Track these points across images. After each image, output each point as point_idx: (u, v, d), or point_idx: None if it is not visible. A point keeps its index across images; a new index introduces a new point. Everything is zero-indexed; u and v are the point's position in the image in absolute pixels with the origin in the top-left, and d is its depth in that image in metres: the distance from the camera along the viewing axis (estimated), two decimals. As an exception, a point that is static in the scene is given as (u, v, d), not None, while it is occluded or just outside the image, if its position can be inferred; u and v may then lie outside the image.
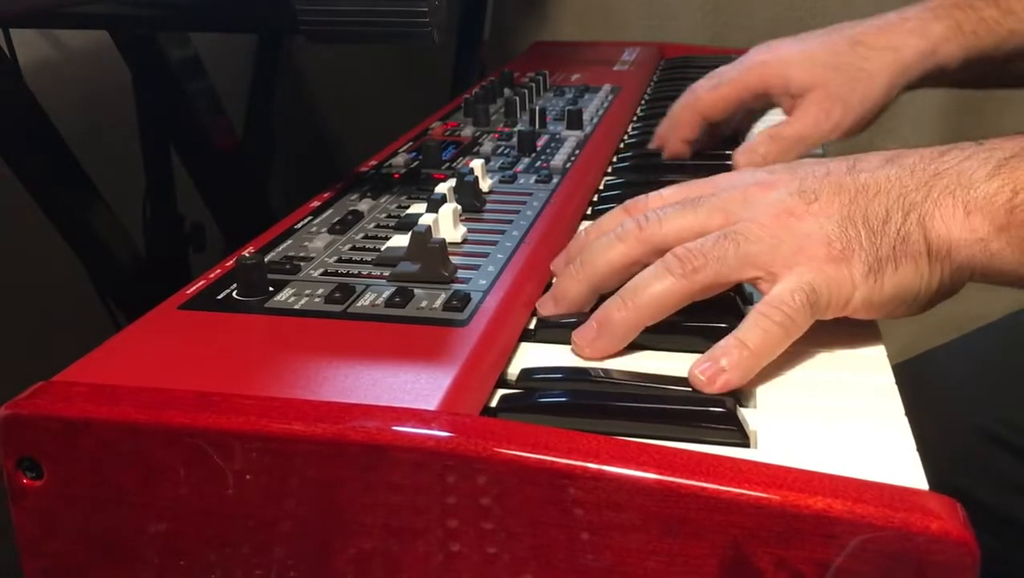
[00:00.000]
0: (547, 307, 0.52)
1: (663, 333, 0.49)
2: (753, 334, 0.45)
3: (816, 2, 1.42)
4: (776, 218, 0.48)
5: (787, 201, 0.48)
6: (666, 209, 0.51)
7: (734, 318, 0.50)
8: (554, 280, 0.54)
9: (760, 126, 0.83)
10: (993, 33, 0.70)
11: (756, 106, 0.77)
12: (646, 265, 0.49)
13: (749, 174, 0.52)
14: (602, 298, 0.50)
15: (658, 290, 0.47)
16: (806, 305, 0.46)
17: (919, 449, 0.40)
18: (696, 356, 0.48)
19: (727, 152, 0.75)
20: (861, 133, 0.72)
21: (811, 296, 0.46)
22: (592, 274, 0.50)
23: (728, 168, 0.74)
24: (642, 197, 0.54)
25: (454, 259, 0.53)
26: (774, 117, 0.81)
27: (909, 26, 0.71)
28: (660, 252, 0.49)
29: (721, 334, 0.49)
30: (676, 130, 0.76)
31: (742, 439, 0.41)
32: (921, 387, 0.79)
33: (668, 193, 0.54)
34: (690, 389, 0.45)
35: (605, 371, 0.47)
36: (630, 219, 0.51)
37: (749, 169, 0.54)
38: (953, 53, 0.70)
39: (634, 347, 0.49)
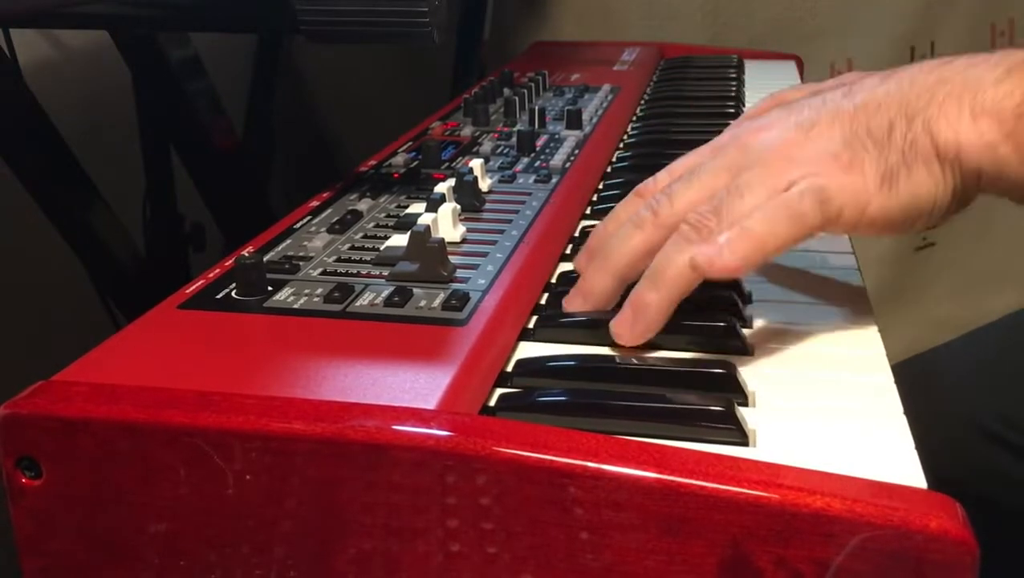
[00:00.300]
0: (575, 303, 0.51)
1: (664, 333, 0.49)
2: (756, 222, 0.44)
3: (816, 2, 1.42)
4: (776, 154, 0.47)
5: (785, 136, 0.48)
6: (674, 185, 0.50)
7: (734, 317, 0.50)
8: (579, 277, 0.53)
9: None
10: None
11: None
12: None
13: (746, 122, 0.51)
14: (628, 288, 0.50)
15: (679, 265, 0.46)
16: (816, 205, 0.45)
17: (919, 448, 0.40)
18: (695, 355, 0.48)
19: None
20: None
21: (822, 197, 0.45)
22: (616, 266, 0.50)
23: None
24: (650, 179, 0.54)
25: (453, 259, 0.53)
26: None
27: (984, 70, 0.70)
28: (674, 230, 0.48)
29: (720, 332, 0.49)
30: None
31: (741, 438, 0.41)
32: (921, 386, 0.79)
33: (675, 167, 0.53)
34: (690, 388, 0.45)
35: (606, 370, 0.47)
36: (643, 204, 0.51)
37: (737, 121, 0.53)
38: None
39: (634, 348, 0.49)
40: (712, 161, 0.50)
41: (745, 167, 0.48)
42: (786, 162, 0.46)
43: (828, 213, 0.45)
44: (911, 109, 0.45)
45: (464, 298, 0.49)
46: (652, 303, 0.47)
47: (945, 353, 0.85)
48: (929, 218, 0.46)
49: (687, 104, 0.96)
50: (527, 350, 0.49)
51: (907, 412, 0.43)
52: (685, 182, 0.50)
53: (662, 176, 0.53)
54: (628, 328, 0.48)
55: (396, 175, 0.69)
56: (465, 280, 0.51)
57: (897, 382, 0.45)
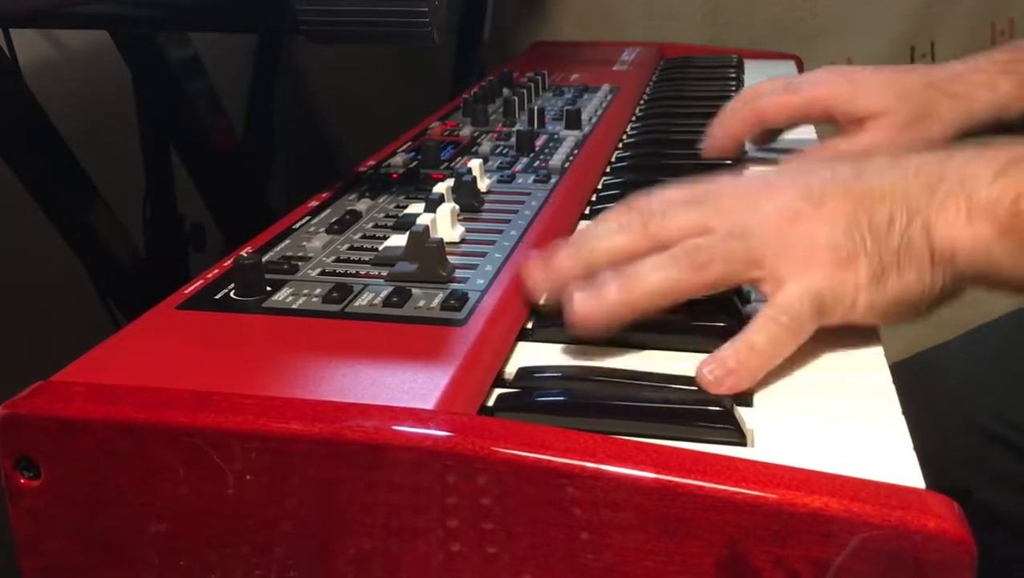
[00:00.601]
0: (535, 270, 0.51)
1: (663, 333, 0.50)
2: (761, 337, 0.46)
3: (816, 2, 1.42)
4: (784, 222, 0.48)
5: (794, 205, 0.48)
6: (672, 206, 0.51)
7: (732, 318, 0.50)
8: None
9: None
10: None
11: (811, 122, 0.76)
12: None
13: (753, 177, 0.52)
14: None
15: (660, 279, 0.47)
16: (812, 308, 0.46)
17: (917, 448, 0.40)
18: (695, 355, 0.48)
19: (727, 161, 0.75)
20: None
21: (817, 301, 0.46)
22: (590, 255, 0.50)
23: (731, 167, 0.74)
24: (646, 195, 0.54)
25: (452, 259, 0.53)
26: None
27: (979, 78, 0.71)
28: (662, 248, 0.49)
29: (719, 333, 0.49)
30: (729, 125, 0.75)
31: (739, 438, 0.41)
32: (920, 386, 0.79)
33: (671, 192, 0.54)
34: (690, 387, 0.45)
35: (605, 370, 0.47)
36: (635, 213, 0.51)
37: (752, 172, 0.53)
38: (1017, 108, 0.70)
39: (635, 347, 0.49)
40: (717, 200, 0.51)
41: (749, 220, 0.49)
42: (790, 233, 0.47)
43: (822, 313, 0.47)
44: (912, 205, 0.46)
45: (463, 298, 0.49)
46: (613, 300, 0.47)
47: (944, 353, 0.85)
48: (913, 314, 0.48)
49: (687, 104, 0.96)
50: (526, 350, 0.49)
51: (906, 412, 0.43)
52: (685, 207, 0.51)
53: (657, 195, 0.53)
54: (585, 303, 0.47)
55: (395, 175, 0.69)
56: (464, 280, 0.51)
57: (896, 382, 0.45)
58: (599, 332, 0.48)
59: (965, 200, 0.45)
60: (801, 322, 0.46)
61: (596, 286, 0.48)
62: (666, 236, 0.49)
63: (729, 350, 0.45)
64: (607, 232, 0.51)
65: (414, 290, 0.50)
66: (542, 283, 0.51)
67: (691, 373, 0.46)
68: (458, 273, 0.52)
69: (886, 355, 0.48)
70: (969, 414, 0.77)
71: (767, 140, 0.78)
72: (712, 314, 0.51)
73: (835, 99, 0.72)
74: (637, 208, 0.52)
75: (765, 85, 0.76)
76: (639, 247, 0.49)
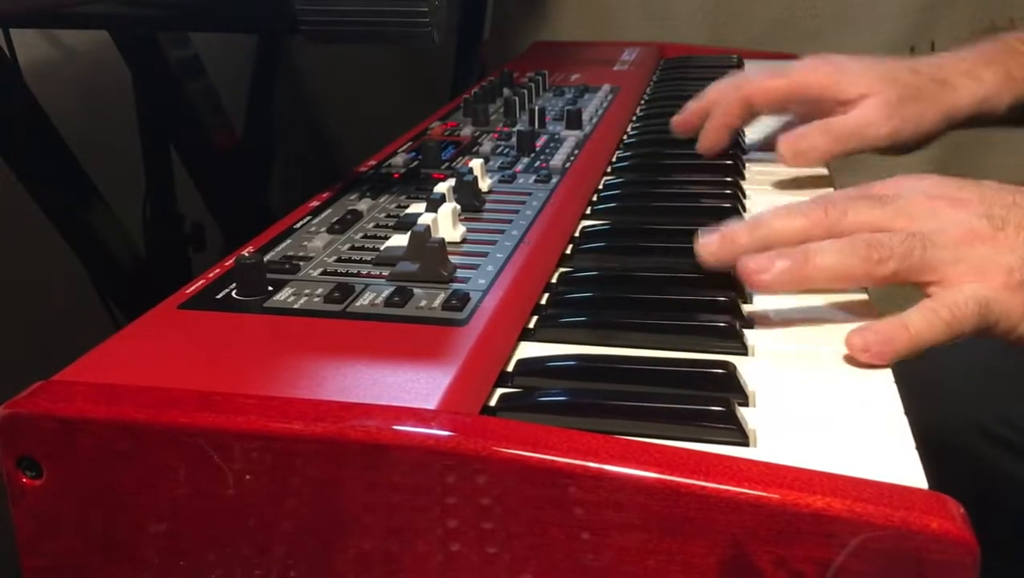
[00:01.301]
0: (711, 239, 0.52)
1: (663, 333, 0.49)
2: (917, 320, 0.47)
3: (816, 2, 1.42)
4: (963, 236, 0.49)
5: (975, 223, 0.49)
6: (853, 201, 0.52)
7: (734, 317, 0.50)
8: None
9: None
10: None
11: (799, 109, 0.76)
12: None
13: (935, 185, 0.53)
14: None
15: (834, 261, 0.49)
16: (976, 314, 0.47)
17: (919, 448, 0.40)
18: (695, 355, 0.48)
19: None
20: (904, 154, 0.72)
21: (984, 308, 0.47)
22: (767, 235, 0.51)
23: (729, 168, 0.74)
24: (823, 193, 0.55)
25: (453, 259, 0.53)
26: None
27: (964, 67, 0.71)
28: (837, 234, 0.50)
29: (719, 333, 0.49)
30: (721, 115, 0.75)
31: (742, 438, 0.41)
32: (921, 386, 0.79)
33: (855, 189, 0.54)
34: (690, 388, 0.45)
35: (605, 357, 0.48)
36: (817, 203, 0.52)
37: (934, 178, 0.54)
38: (1003, 99, 0.70)
39: (636, 346, 0.49)
40: (897, 201, 0.52)
41: (929, 227, 0.50)
42: (968, 248, 0.49)
43: (986, 322, 0.48)
44: None
45: (464, 298, 0.48)
46: (784, 269, 0.49)
47: (946, 353, 0.84)
48: None
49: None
50: (527, 350, 0.49)
51: (907, 412, 0.43)
52: (866, 203, 0.52)
53: (844, 191, 0.54)
54: (753, 270, 0.49)
55: (396, 175, 0.69)
56: (465, 280, 0.51)
57: (897, 382, 0.45)
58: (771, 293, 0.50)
59: None
60: (962, 322, 0.47)
61: (769, 255, 0.49)
62: (845, 228, 0.51)
63: (883, 323, 0.47)
64: (787, 214, 0.52)
65: (416, 290, 0.50)
66: (717, 251, 0.52)
67: (692, 373, 0.46)
68: (459, 273, 0.52)
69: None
70: (971, 415, 0.77)
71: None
72: (712, 314, 0.51)
73: (822, 82, 0.72)
74: (819, 200, 0.53)
75: (754, 72, 0.75)
76: (815, 234, 0.51)
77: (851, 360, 0.47)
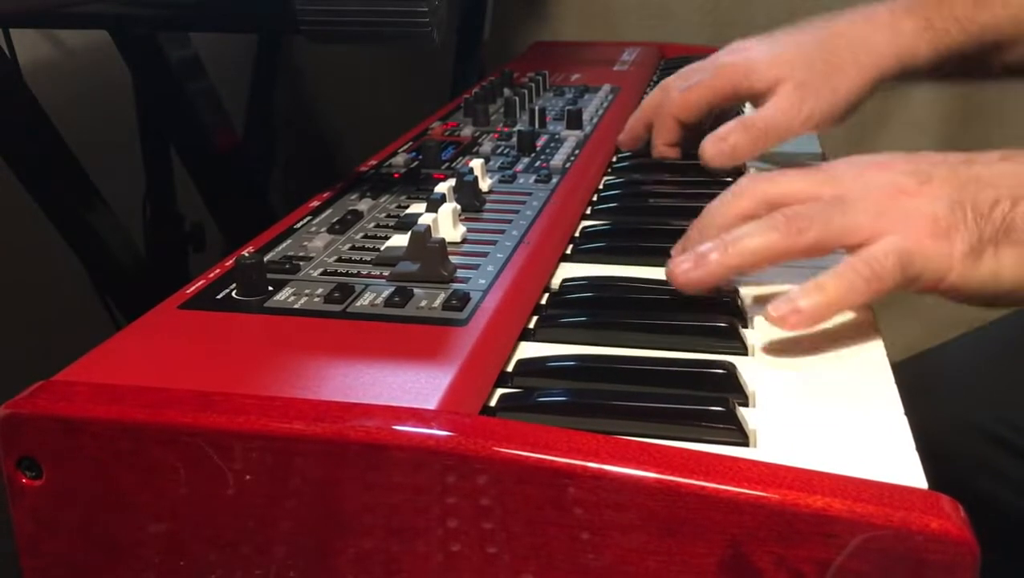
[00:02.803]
0: (681, 262, 0.52)
1: (663, 333, 0.49)
2: (832, 280, 0.47)
3: (816, 2, 1.42)
4: (887, 193, 0.49)
5: (900, 180, 0.49)
6: (786, 175, 0.52)
7: (734, 317, 0.50)
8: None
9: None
10: (965, 29, 0.70)
11: (727, 107, 0.76)
12: None
13: (865, 157, 0.53)
14: None
15: (759, 243, 0.48)
16: (897, 267, 0.46)
17: (919, 448, 0.40)
18: (695, 355, 0.48)
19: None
20: (833, 127, 0.71)
21: (904, 260, 0.46)
22: (709, 222, 0.52)
23: (730, 167, 0.74)
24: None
25: (453, 259, 0.53)
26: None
27: (880, 21, 0.70)
28: (771, 207, 0.50)
29: (719, 333, 0.49)
30: (658, 135, 0.76)
31: (742, 438, 0.41)
32: (921, 386, 0.79)
33: (788, 171, 0.55)
34: (690, 388, 0.45)
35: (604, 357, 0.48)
36: (747, 179, 0.53)
37: (863, 155, 0.54)
38: (923, 50, 0.70)
39: (635, 346, 0.49)
40: (826, 171, 0.52)
41: (854, 190, 0.50)
42: (891, 203, 0.48)
43: (907, 275, 0.47)
44: (1019, 192, 0.47)
45: (464, 298, 0.48)
46: (713, 263, 0.49)
47: (945, 353, 0.85)
48: (1012, 300, 0.48)
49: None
50: (527, 350, 0.49)
51: (907, 412, 0.43)
52: (794, 175, 0.52)
53: (780, 170, 0.55)
54: (683, 271, 0.50)
55: (396, 175, 0.69)
56: (465, 280, 0.51)
57: (897, 382, 0.45)
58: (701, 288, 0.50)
59: None
60: (881, 276, 0.46)
61: (699, 251, 0.49)
62: (775, 196, 0.51)
63: (797, 289, 0.46)
64: (726, 202, 0.52)
65: (416, 290, 0.50)
66: (682, 259, 0.52)
67: (692, 373, 0.46)
68: (460, 273, 0.52)
69: (888, 355, 0.48)
70: (970, 414, 0.77)
71: (696, 133, 0.75)
72: (712, 314, 0.51)
73: (733, 79, 0.72)
74: (746, 177, 0.54)
75: (674, 82, 0.75)
76: (750, 208, 0.51)
77: (852, 360, 0.47)
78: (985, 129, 1.35)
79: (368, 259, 0.54)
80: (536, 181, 0.67)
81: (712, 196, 0.69)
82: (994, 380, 0.79)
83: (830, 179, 0.51)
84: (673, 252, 0.53)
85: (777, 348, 0.49)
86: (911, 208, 0.48)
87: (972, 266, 0.46)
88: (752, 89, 0.71)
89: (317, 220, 0.60)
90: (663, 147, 0.76)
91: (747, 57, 0.72)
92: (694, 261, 0.49)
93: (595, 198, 0.71)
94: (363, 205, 0.62)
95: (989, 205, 0.47)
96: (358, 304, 0.48)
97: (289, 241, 0.57)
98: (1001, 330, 0.82)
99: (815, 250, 0.49)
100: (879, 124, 1.39)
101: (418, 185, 0.67)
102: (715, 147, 0.69)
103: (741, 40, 0.75)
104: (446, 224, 0.56)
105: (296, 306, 0.48)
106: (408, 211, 0.60)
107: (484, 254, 0.55)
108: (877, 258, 0.46)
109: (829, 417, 0.42)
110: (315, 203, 0.63)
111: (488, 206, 0.62)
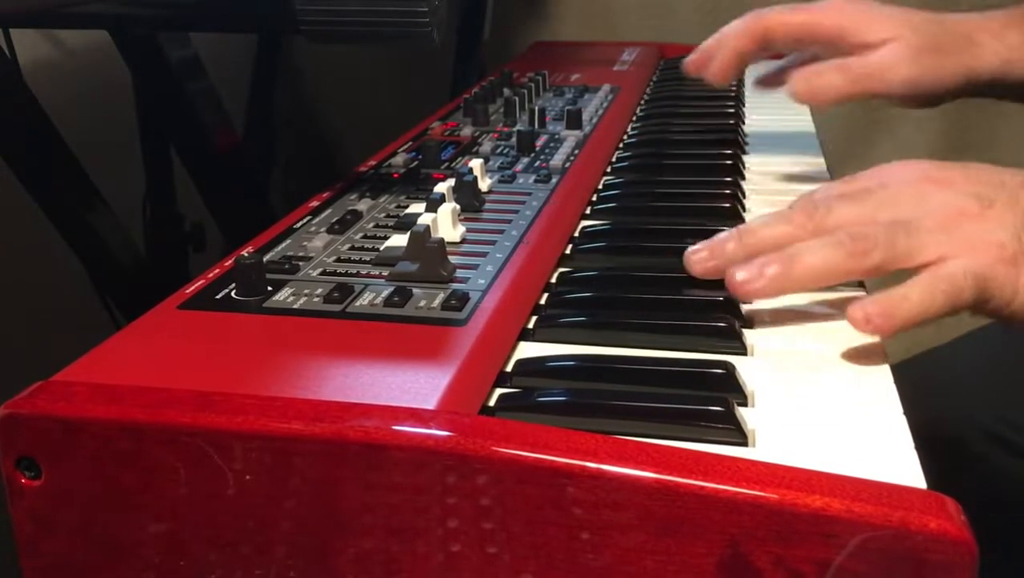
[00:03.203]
0: (699, 253, 0.52)
1: (663, 333, 0.49)
2: (916, 292, 0.46)
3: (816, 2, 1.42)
4: (949, 216, 0.48)
5: (962, 202, 0.49)
6: (836, 200, 0.51)
7: (734, 317, 0.50)
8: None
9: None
10: None
11: (817, 49, 0.72)
12: None
13: (918, 168, 0.52)
14: None
15: (821, 259, 0.48)
16: (974, 288, 0.46)
17: (918, 448, 0.40)
18: (695, 355, 0.48)
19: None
20: (918, 108, 0.70)
21: (980, 282, 0.46)
22: (754, 244, 0.51)
23: (728, 168, 0.74)
24: (807, 193, 0.54)
25: (453, 259, 0.53)
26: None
27: (991, 27, 0.69)
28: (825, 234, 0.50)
29: (719, 333, 0.49)
30: (734, 40, 0.71)
31: (740, 438, 0.41)
32: (921, 386, 0.79)
33: (836, 186, 0.54)
34: (689, 388, 0.45)
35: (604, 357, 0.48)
36: (799, 207, 0.52)
37: (918, 163, 0.53)
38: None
39: (635, 346, 0.49)
40: (881, 191, 0.51)
41: (914, 213, 0.49)
42: (955, 227, 0.48)
43: (981, 298, 0.47)
44: None
45: (464, 298, 0.49)
46: (770, 278, 0.48)
47: (945, 353, 0.85)
48: None
49: (687, 104, 0.96)
50: (527, 350, 0.49)
51: (907, 412, 0.43)
52: (849, 201, 0.51)
53: (825, 189, 0.54)
54: (740, 282, 0.49)
55: (396, 175, 0.69)
56: (465, 280, 0.51)
57: (897, 382, 0.45)
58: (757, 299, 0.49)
59: None
60: (960, 295, 0.46)
61: (757, 263, 0.49)
62: (830, 227, 0.50)
63: (883, 295, 0.46)
64: (771, 221, 0.51)
65: (415, 290, 0.50)
66: (706, 260, 0.52)
67: (692, 373, 0.46)
68: (459, 273, 0.52)
69: (888, 355, 0.48)
70: (970, 414, 0.77)
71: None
72: (712, 314, 0.51)
73: (844, 22, 0.69)
74: (801, 203, 0.52)
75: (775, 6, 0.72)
76: (802, 238, 0.50)
77: (852, 360, 0.47)
78: (990, 126, 1.34)
79: (367, 259, 0.54)
80: (536, 181, 0.67)
81: (712, 196, 0.69)
82: (994, 380, 0.79)
83: (885, 204, 0.50)
84: (692, 254, 0.52)
85: (777, 348, 0.49)
86: (976, 233, 0.48)
87: None
88: (861, 38, 0.68)
89: (317, 220, 0.60)
90: (730, 52, 0.71)
91: (863, 7, 0.70)
92: (757, 271, 0.48)
93: (595, 198, 0.71)
94: (362, 205, 0.62)
95: None
96: (357, 304, 0.49)
97: (288, 241, 0.57)
98: (1001, 330, 0.82)
99: (878, 271, 0.48)
100: (879, 124, 1.39)
101: (417, 185, 0.67)
102: (807, 82, 0.67)
103: None
104: (445, 224, 0.56)
105: (295, 306, 0.48)
106: (407, 211, 0.60)
107: (483, 254, 0.55)
108: (956, 276, 0.46)
109: (828, 417, 0.42)
110: (315, 203, 0.63)
111: (487, 206, 0.62)
